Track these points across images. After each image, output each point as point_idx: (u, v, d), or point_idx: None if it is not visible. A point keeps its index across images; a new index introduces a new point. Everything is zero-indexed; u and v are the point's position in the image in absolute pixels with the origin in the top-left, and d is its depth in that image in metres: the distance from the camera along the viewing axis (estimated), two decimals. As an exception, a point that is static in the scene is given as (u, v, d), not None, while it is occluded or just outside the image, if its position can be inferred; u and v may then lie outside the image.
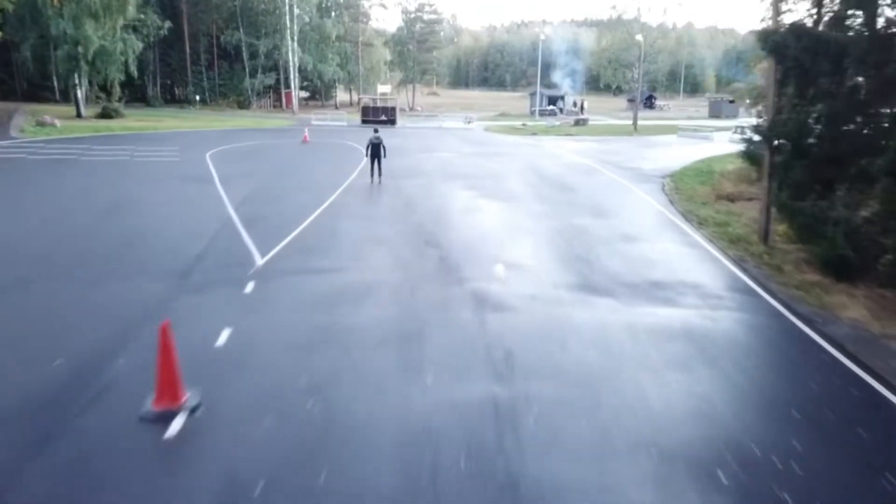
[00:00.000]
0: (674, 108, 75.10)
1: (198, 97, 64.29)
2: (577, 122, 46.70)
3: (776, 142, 12.87)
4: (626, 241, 12.60)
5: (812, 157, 11.92)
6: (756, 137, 24.45)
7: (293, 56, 59.31)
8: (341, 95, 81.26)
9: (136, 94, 71.44)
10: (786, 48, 12.01)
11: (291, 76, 59.99)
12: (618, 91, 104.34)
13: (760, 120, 24.68)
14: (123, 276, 9.96)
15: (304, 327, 7.80)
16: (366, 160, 20.72)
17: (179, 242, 12.10)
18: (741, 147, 31.28)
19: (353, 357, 6.92)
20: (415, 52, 73.00)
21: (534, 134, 39.45)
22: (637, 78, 47.69)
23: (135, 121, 44.37)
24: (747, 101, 24.65)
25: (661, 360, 7.05)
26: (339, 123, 45.66)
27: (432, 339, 7.45)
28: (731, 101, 60.58)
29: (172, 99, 69.14)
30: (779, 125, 12.24)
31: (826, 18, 12.92)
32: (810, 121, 12.11)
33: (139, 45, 44.31)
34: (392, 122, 45.29)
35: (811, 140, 12.07)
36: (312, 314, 8.21)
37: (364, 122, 44.72)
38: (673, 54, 79.24)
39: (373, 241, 12.44)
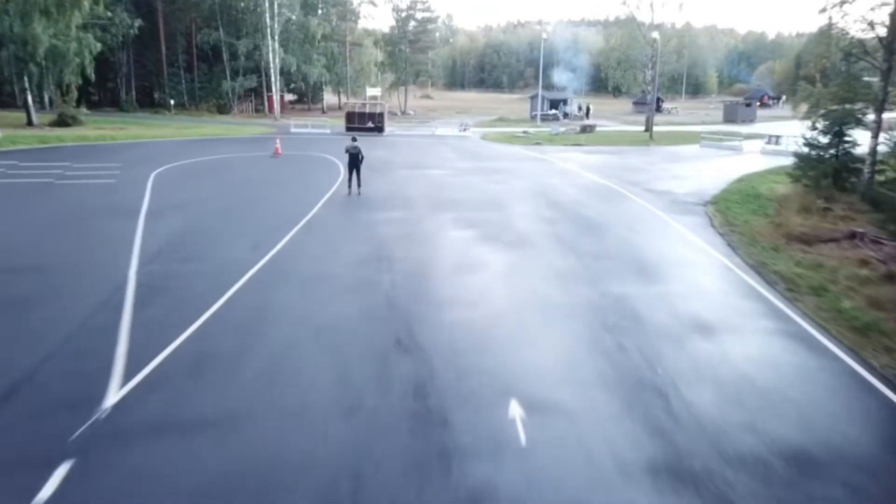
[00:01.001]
0: (682, 110, 70.90)
1: (172, 101, 59.88)
2: (583, 129, 42.34)
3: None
4: (704, 336, 8.26)
5: None
6: (807, 151, 20.30)
7: (274, 57, 54.88)
8: (330, 98, 76.97)
9: (109, 98, 67.17)
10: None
11: (273, 78, 55.52)
12: (618, 92, 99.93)
13: (815, 132, 20.52)
14: None
15: None
16: (342, 175, 19.03)
17: (15, 344, 7.76)
18: (781, 161, 27.15)
19: None
20: (407, 53, 68.61)
21: (537, 144, 35.13)
22: (650, 80, 43.35)
23: (94, 129, 40.08)
24: (803, 107, 20.25)
25: None
26: (320, 131, 41.33)
27: None
28: (748, 105, 56.52)
29: (151, 103, 64.56)
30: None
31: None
32: None
33: (96, 46, 39.78)
34: (379, 129, 40.96)
35: None
36: None
37: (349, 129, 40.38)
38: (679, 54, 74.84)
39: (314, 338, 8.08)
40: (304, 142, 35.66)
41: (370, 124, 41.05)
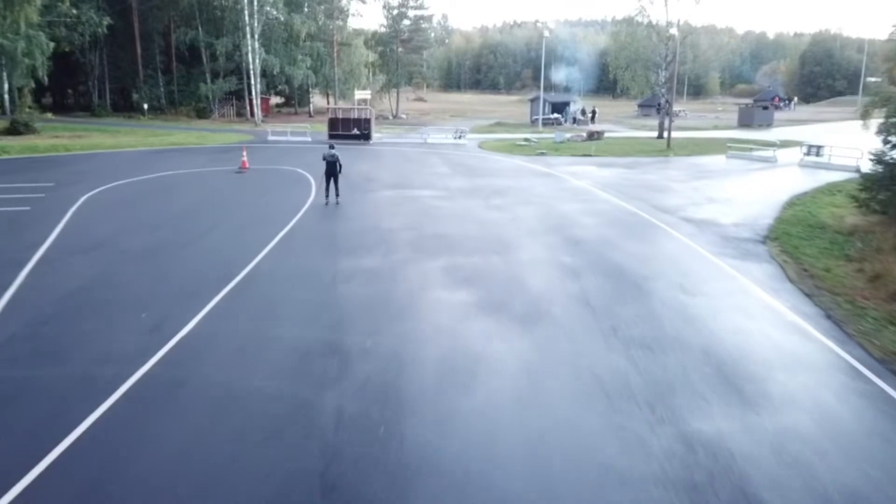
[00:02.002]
0: (690, 113, 67.12)
1: (146, 105, 55.81)
2: (590, 136, 38.48)
3: None
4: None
5: None
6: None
7: (254, 57, 50.95)
8: (320, 101, 73.17)
9: (83, 101, 63.04)
10: None
11: (252, 80, 51.60)
12: (619, 93, 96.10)
13: (888, 146, 16.76)
14: None
15: None
16: (312, 196, 17.84)
17: None
18: (827, 176, 23.38)
19: None
20: (399, 53, 64.75)
21: (541, 154, 31.28)
22: (664, 81, 39.52)
23: (49, 137, 36.16)
24: (879, 112, 16.42)
25: None
26: (300, 139, 37.41)
27: None
28: (765, 108, 52.81)
29: (128, 107, 60.34)
30: None
31: None
32: None
33: (49, 45, 35.76)
34: (366, 136, 37.09)
35: None
36: None
37: (332, 136, 36.43)
38: (694, 53, 70.91)
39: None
40: (280, 152, 31.78)
41: (356, 131, 37.19)
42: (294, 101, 69.89)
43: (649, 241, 14.01)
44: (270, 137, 38.06)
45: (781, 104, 75.13)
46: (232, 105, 59.69)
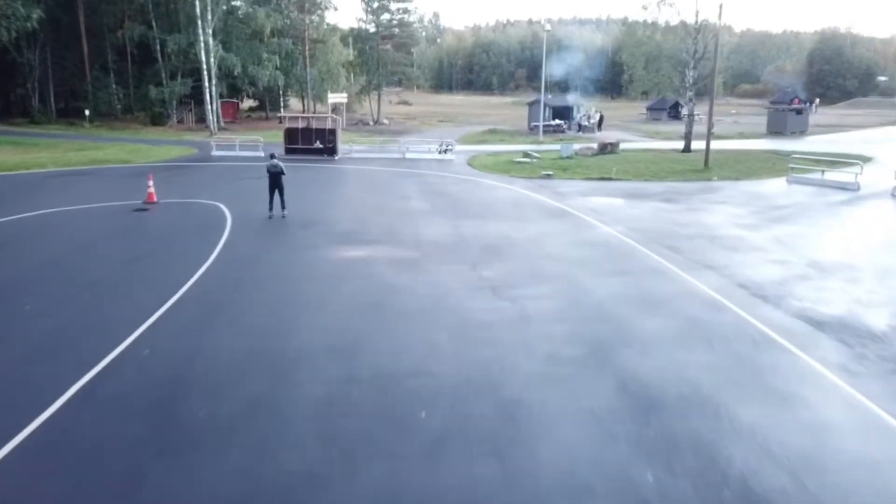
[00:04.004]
0: (704, 117, 60.61)
1: (87, 111, 48.93)
2: (603, 149, 31.87)
3: None
4: None
5: None
6: None
7: (209, 55, 44.17)
8: (297, 105, 66.49)
9: (23, 107, 55.93)
10: None
11: (207, 82, 44.77)
12: (616, 94, 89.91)
13: None
14: None
15: None
16: (217, 250, 13.58)
17: None
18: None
19: None
20: (382, 52, 57.99)
21: (547, 176, 24.61)
22: (692, 82, 33.05)
23: (-61, 154, 29.53)
24: None
25: None
26: (250, 154, 30.66)
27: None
28: (798, 112, 46.40)
29: (75, 113, 53.14)
30: None
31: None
32: None
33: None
34: (330, 151, 30.45)
35: None
36: None
37: (290, 150, 29.96)
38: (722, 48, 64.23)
39: None
40: (213, 175, 25.12)
41: (318, 144, 30.54)
42: (265, 105, 63.14)
43: (782, 397, 7.32)
44: (215, 153, 31.31)
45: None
46: (191, 110, 52.86)
